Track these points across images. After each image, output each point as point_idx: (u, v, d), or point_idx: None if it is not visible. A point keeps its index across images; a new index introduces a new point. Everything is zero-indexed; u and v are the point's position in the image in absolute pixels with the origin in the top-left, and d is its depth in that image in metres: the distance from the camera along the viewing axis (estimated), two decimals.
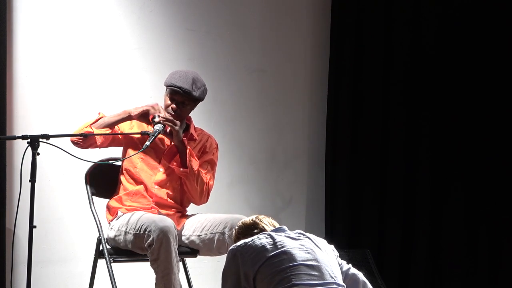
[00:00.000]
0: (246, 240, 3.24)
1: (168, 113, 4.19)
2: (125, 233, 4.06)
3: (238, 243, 3.26)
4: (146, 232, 3.93)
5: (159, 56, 5.20)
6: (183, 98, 4.18)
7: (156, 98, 5.07)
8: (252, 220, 3.42)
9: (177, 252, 3.95)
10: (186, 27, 5.30)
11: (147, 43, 5.17)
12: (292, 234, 3.32)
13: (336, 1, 5.67)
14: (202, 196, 4.25)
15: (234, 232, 3.46)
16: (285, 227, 3.37)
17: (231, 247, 3.26)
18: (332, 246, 3.41)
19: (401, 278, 5.69)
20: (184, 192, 4.27)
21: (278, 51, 5.62)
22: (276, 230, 3.33)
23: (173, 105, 4.18)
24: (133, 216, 4.08)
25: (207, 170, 4.28)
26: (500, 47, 5.74)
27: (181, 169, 4.18)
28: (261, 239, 3.22)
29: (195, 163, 4.18)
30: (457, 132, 5.75)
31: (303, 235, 3.32)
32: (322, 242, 3.35)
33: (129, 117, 4.24)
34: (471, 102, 5.75)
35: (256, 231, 3.35)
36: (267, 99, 5.60)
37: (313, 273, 3.14)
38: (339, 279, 3.22)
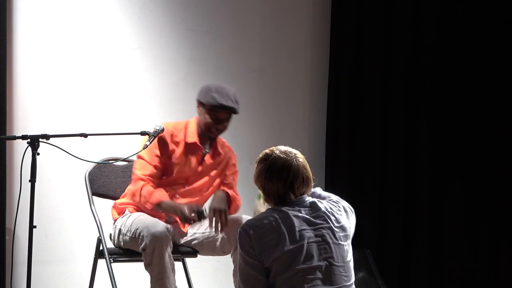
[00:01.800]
0: (263, 220, 3.14)
1: (211, 131, 4.22)
2: (124, 234, 4.09)
3: (254, 223, 3.14)
4: (140, 237, 3.96)
5: (159, 56, 5.20)
6: (228, 115, 4.24)
7: (156, 98, 5.08)
8: (290, 167, 3.33)
9: (171, 256, 3.98)
10: (186, 27, 5.29)
11: (147, 43, 5.17)
12: (310, 211, 3.22)
13: (336, 1, 5.67)
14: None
15: (259, 161, 3.38)
16: (304, 196, 3.25)
17: (246, 222, 3.17)
18: (353, 218, 3.39)
19: (401, 278, 5.69)
20: None
21: (278, 51, 5.62)
22: (297, 203, 3.22)
23: (219, 126, 4.23)
24: (129, 217, 4.11)
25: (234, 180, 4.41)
26: (499, 48, 5.75)
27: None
28: (280, 222, 3.12)
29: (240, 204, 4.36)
30: (457, 132, 5.76)
31: (321, 215, 3.22)
32: (341, 218, 3.30)
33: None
34: (470, 101, 5.76)
35: (282, 185, 3.22)
36: (267, 99, 5.59)
37: (325, 277, 3.11)
38: (351, 276, 3.19)
